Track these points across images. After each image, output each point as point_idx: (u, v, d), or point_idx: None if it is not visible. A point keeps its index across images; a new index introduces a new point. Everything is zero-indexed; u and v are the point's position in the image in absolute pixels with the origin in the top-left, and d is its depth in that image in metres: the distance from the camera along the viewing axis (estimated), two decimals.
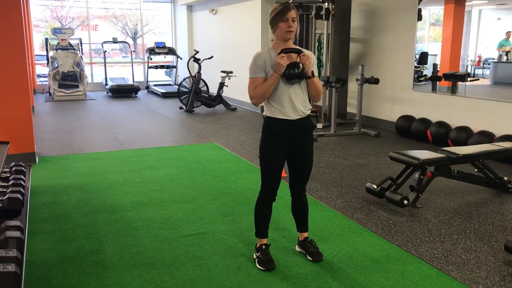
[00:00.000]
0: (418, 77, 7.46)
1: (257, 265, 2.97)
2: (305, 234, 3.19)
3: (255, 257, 3.03)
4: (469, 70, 6.84)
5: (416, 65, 7.41)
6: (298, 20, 2.80)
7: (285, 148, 2.91)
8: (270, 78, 2.77)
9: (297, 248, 3.20)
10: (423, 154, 4.23)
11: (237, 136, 7.31)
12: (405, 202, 3.97)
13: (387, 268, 2.98)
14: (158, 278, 2.84)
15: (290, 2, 2.83)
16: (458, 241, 3.40)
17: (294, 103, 2.82)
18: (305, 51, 2.83)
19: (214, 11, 12.05)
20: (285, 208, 4.03)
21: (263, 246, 3.01)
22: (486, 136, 5.85)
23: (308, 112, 2.91)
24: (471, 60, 6.89)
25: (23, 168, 4.59)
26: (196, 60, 10.10)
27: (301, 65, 2.75)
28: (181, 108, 10.13)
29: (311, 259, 3.05)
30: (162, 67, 14.35)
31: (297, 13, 2.79)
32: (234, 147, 6.51)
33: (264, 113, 2.94)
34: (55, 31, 12.42)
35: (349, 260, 3.08)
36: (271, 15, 2.81)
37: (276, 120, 2.84)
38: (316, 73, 2.88)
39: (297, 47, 2.85)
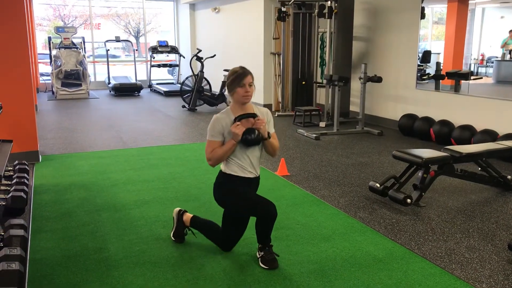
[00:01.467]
0: (421, 75, 7.45)
1: (260, 263, 2.97)
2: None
3: (258, 256, 3.03)
4: (472, 69, 6.83)
5: (419, 63, 7.39)
6: (254, 84, 2.90)
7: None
8: (227, 144, 2.87)
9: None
10: (426, 153, 4.22)
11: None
12: (408, 201, 3.97)
13: (390, 267, 2.98)
14: (162, 277, 2.84)
15: (244, 67, 2.89)
16: (461, 240, 3.39)
17: (251, 163, 2.97)
18: (260, 111, 2.96)
19: (216, 10, 12.05)
20: (288, 207, 4.03)
21: (267, 247, 3.00)
22: (489, 135, 5.84)
23: (259, 173, 3.06)
24: (474, 59, 6.88)
25: (26, 167, 4.60)
26: (199, 59, 10.10)
27: (256, 130, 2.85)
28: (183, 106, 10.14)
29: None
30: (164, 65, 14.36)
31: (253, 77, 2.89)
32: None
33: (221, 169, 3.02)
34: (58, 30, 12.44)
35: (352, 259, 3.08)
36: (228, 80, 2.90)
37: (233, 177, 2.96)
38: (272, 131, 3.00)
39: (254, 109, 2.95)
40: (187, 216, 3.30)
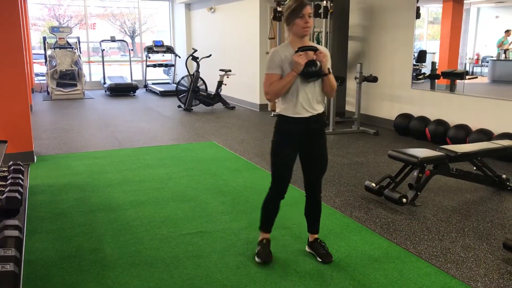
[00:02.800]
0: (417, 75, 7.46)
1: (255, 258, 2.99)
2: (315, 236, 3.17)
3: (309, 250, 3.08)
4: (467, 68, 6.85)
5: (414, 63, 7.41)
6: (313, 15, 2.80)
7: (296, 146, 2.91)
8: (287, 76, 2.76)
9: (307, 249, 3.18)
10: (422, 152, 4.23)
11: (236, 134, 7.31)
12: (404, 200, 3.97)
13: (386, 266, 2.98)
14: (157, 277, 2.83)
15: None
16: (456, 239, 3.40)
17: (309, 101, 2.83)
18: (320, 48, 2.84)
19: (212, 10, 12.03)
20: (284, 207, 4.02)
21: (264, 241, 3.03)
22: (485, 134, 5.86)
23: (322, 110, 2.92)
24: (470, 58, 6.90)
25: (21, 167, 4.58)
26: (195, 59, 10.08)
27: (318, 63, 2.75)
28: (179, 106, 10.12)
29: (320, 260, 3.03)
30: (160, 65, 14.32)
31: (312, 8, 2.78)
32: (233, 145, 6.51)
33: (277, 110, 2.93)
34: (53, 29, 12.38)
35: (348, 259, 3.08)
36: (286, 12, 2.79)
37: (289, 118, 2.85)
38: (330, 69, 2.88)
39: (314, 44, 2.86)
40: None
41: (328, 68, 2.82)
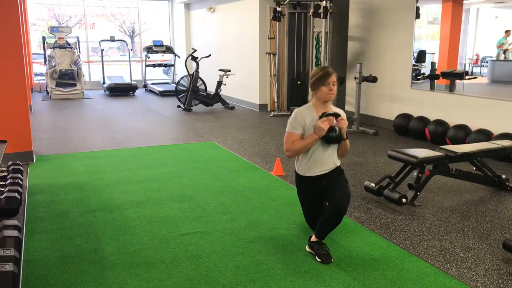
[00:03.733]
0: (416, 75, 7.46)
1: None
2: (318, 240, 3.14)
3: (309, 250, 3.14)
4: (467, 68, 6.85)
5: (414, 63, 7.41)
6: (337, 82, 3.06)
7: (314, 193, 3.20)
8: (309, 137, 3.01)
9: (307, 249, 3.18)
10: (422, 153, 4.23)
11: (235, 134, 7.30)
12: (404, 200, 3.97)
13: (385, 266, 2.98)
14: (156, 277, 2.83)
15: (328, 67, 3.15)
16: (456, 239, 3.40)
17: (326, 163, 3.10)
18: (341, 113, 3.07)
19: (211, 9, 12.03)
20: (284, 207, 4.03)
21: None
22: (484, 134, 5.86)
23: (338, 164, 3.19)
24: (469, 58, 6.90)
25: (20, 167, 4.58)
26: (194, 59, 10.08)
27: (338, 129, 3.00)
28: (179, 106, 10.12)
29: (320, 260, 3.02)
30: (160, 65, 14.32)
31: (337, 77, 3.04)
32: (232, 145, 6.50)
33: (296, 169, 3.22)
34: (53, 29, 12.38)
35: (348, 259, 3.08)
36: (312, 79, 3.05)
37: (305, 178, 3.15)
38: (347, 135, 3.14)
39: (335, 110, 3.09)
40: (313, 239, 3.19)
41: (346, 134, 3.08)
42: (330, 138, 3.00)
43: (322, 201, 3.21)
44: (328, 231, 3.11)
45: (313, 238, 3.15)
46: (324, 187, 3.13)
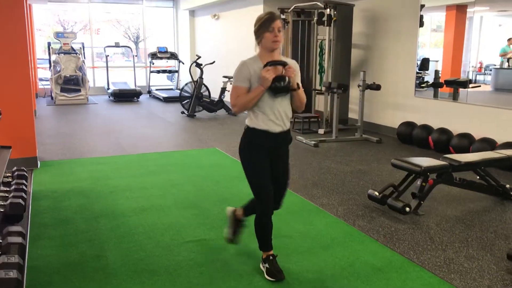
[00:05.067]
0: (420, 83, 7.47)
1: (266, 275, 2.92)
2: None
3: (262, 267, 2.99)
4: (470, 77, 6.85)
5: (417, 71, 7.41)
6: (283, 30, 2.80)
7: (267, 158, 2.88)
8: (255, 90, 2.75)
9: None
10: (425, 161, 4.22)
11: (239, 141, 7.28)
12: (407, 209, 3.97)
13: (389, 276, 2.97)
14: (160, 285, 2.83)
15: (273, 12, 2.84)
16: (460, 249, 3.39)
17: (278, 115, 2.82)
18: (289, 61, 2.84)
19: (216, 17, 12.08)
20: (287, 215, 4.03)
21: (270, 257, 2.95)
22: (488, 143, 5.84)
23: (289, 126, 2.92)
24: (473, 66, 6.90)
25: (25, 173, 4.59)
26: (198, 65, 10.12)
27: (287, 78, 2.74)
28: (182, 112, 10.15)
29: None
30: (164, 71, 14.36)
31: (282, 22, 2.78)
32: (236, 152, 6.46)
33: (246, 123, 2.91)
34: (58, 35, 12.45)
35: (351, 268, 3.07)
36: (256, 25, 2.79)
37: (258, 131, 2.83)
38: (300, 84, 2.87)
39: (282, 59, 2.84)
40: (238, 211, 3.23)
41: (298, 83, 2.83)
42: (277, 88, 2.72)
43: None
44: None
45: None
46: (274, 154, 2.89)
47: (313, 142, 6.99)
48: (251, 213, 3.14)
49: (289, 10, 8.71)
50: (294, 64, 2.87)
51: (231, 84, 10.01)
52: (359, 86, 7.53)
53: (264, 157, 2.87)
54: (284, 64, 2.78)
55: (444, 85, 7.09)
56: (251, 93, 2.76)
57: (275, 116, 2.81)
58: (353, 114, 8.54)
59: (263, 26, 2.75)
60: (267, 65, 2.74)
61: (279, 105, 2.81)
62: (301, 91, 2.87)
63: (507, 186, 4.52)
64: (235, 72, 2.83)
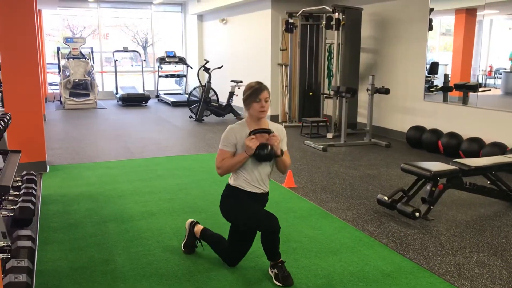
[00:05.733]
0: (429, 87, 7.43)
1: (274, 281, 2.91)
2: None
3: (270, 272, 2.98)
4: (480, 80, 6.80)
5: (426, 75, 7.37)
6: (270, 99, 2.91)
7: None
8: (239, 156, 2.86)
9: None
10: (435, 166, 4.19)
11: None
12: (417, 214, 3.93)
13: (398, 281, 2.95)
14: None
15: (261, 83, 2.97)
16: (471, 255, 3.35)
17: (261, 179, 2.95)
18: (276, 127, 2.97)
19: (224, 21, 12.11)
20: (295, 220, 4.01)
21: (279, 263, 2.95)
22: (499, 148, 5.79)
23: (268, 189, 3.04)
24: (483, 70, 6.85)
25: (34, 177, 4.62)
26: (206, 70, 10.14)
27: (269, 146, 2.84)
28: (191, 117, 10.17)
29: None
30: (172, 76, 14.42)
31: (269, 92, 2.90)
32: None
33: (229, 181, 3.02)
34: (67, 40, 12.55)
35: (360, 273, 3.05)
36: (244, 94, 2.92)
37: (241, 191, 2.95)
38: (285, 148, 3.00)
39: (270, 125, 2.97)
40: (198, 228, 3.31)
41: (281, 150, 2.93)
42: (260, 156, 2.84)
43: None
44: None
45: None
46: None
47: (321, 147, 6.96)
48: (208, 241, 3.22)
49: (297, 14, 8.71)
50: (280, 130, 3.02)
51: (239, 88, 10.09)
52: (367, 90, 7.51)
53: (249, 200, 2.97)
54: (268, 132, 2.89)
55: (454, 89, 7.05)
56: (235, 158, 2.88)
57: (257, 179, 2.94)
58: (361, 118, 8.51)
59: (251, 96, 2.87)
60: (251, 133, 2.86)
61: (262, 169, 2.94)
62: (286, 156, 3.00)
63: None
64: (223, 135, 2.97)
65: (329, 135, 7.97)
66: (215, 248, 3.20)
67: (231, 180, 3.01)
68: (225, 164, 2.89)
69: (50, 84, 13.56)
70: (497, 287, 2.89)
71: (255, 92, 2.85)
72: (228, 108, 10.12)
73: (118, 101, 13.12)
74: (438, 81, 7.47)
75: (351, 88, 7.47)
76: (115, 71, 13.54)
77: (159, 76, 13.93)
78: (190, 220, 3.40)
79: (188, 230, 3.34)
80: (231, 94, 10.12)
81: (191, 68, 13.75)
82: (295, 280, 2.92)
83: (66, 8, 14.11)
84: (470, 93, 6.80)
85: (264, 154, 2.84)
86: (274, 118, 9.85)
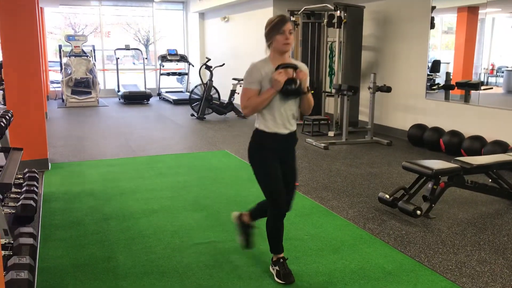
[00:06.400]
0: (431, 85, 7.42)
1: (275, 278, 2.91)
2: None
3: (272, 270, 2.98)
4: (482, 79, 6.79)
5: (428, 73, 7.36)
6: (294, 32, 2.78)
7: (277, 159, 2.88)
8: (266, 92, 2.74)
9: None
10: (437, 164, 4.18)
11: (248, 143, 7.29)
12: (418, 212, 3.93)
13: (399, 279, 2.95)
14: (169, 287, 2.83)
15: (283, 14, 2.82)
16: (472, 253, 3.35)
17: (287, 118, 2.83)
18: (300, 65, 2.84)
19: (226, 19, 12.10)
20: (297, 218, 4.02)
21: (281, 260, 2.94)
22: (500, 146, 5.78)
23: (295, 127, 2.92)
24: (485, 68, 6.83)
25: (36, 175, 4.62)
26: (208, 68, 10.14)
27: (298, 81, 2.74)
28: (192, 115, 10.17)
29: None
30: (174, 74, 14.42)
31: (293, 25, 2.77)
32: (245, 154, 6.46)
33: (255, 125, 2.91)
34: (69, 38, 12.56)
35: (362, 271, 3.05)
36: (266, 28, 2.79)
37: (268, 134, 2.83)
38: (309, 87, 2.87)
39: (293, 62, 2.84)
40: (245, 215, 3.18)
41: (307, 87, 2.82)
42: (288, 91, 2.72)
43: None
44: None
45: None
46: (283, 156, 2.89)
47: (323, 145, 6.96)
48: (259, 216, 3.12)
49: (299, 12, 8.70)
50: (304, 67, 2.86)
51: (241, 86, 10.06)
52: (369, 88, 7.50)
53: (275, 160, 2.86)
54: (295, 67, 2.77)
55: (456, 87, 7.04)
56: (262, 95, 2.75)
57: (284, 118, 2.82)
58: (363, 117, 8.50)
59: (274, 29, 2.73)
60: (278, 67, 2.73)
61: (289, 107, 2.82)
62: (310, 95, 2.87)
63: None
64: (246, 74, 2.82)
65: (331, 133, 7.97)
66: (263, 214, 3.05)
67: (257, 123, 2.89)
68: (252, 102, 2.76)
69: (52, 82, 13.57)
70: (498, 285, 2.89)
71: (279, 23, 2.71)
72: (229, 106, 10.12)
73: (119, 99, 13.13)
74: (440, 79, 7.46)
75: (352, 86, 7.47)
76: (117, 69, 13.54)
77: (161, 74, 13.93)
78: (235, 214, 3.25)
79: (239, 223, 3.20)
80: (233, 92, 10.12)
81: (193, 66, 13.75)
82: (296, 278, 2.93)
83: (68, 6, 14.12)
84: (472, 92, 6.78)
85: (292, 89, 2.72)
86: None
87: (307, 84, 2.86)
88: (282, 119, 2.81)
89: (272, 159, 2.85)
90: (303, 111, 2.93)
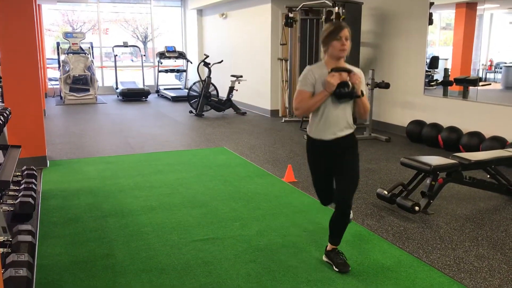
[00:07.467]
0: (429, 81, 7.42)
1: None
2: (334, 246, 3.10)
3: (324, 258, 3.12)
4: (480, 75, 6.79)
5: (427, 69, 7.36)
6: (350, 39, 2.85)
7: (324, 163, 3.03)
8: (319, 94, 2.82)
9: (324, 258, 3.14)
10: (435, 160, 4.19)
11: (247, 140, 7.31)
12: (417, 208, 3.93)
13: (398, 275, 2.96)
14: (168, 284, 2.84)
15: (341, 21, 2.88)
16: (470, 249, 3.36)
17: (336, 123, 2.88)
18: (355, 69, 2.87)
19: (224, 16, 12.08)
20: (295, 214, 4.02)
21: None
22: (498, 142, 5.79)
23: (350, 131, 2.95)
24: (483, 64, 6.84)
25: (34, 172, 4.62)
26: (206, 64, 10.12)
27: (351, 84, 2.78)
28: (191, 112, 10.16)
29: (337, 270, 2.99)
30: (172, 71, 14.40)
31: (350, 32, 2.84)
32: (244, 151, 6.51)
33: (307, 131, 3.02)
34: (67, 35, 12.52)
35: (360, 267, 3.06)
36: (323, 34, 2.86)
37: (312, 139, 2.98)
38: (365, 92, 2.91)
39: (348, 66, 2.87)
40: (328, 247, 3.14)
41: (362, 91, 2.86)
42: (341, 93, 2.76)
43: (332, 174, 3.04)
44: (340, 232, 3.03)
45: (329, 247, 3.10)
46: (334, 159, 2.95)
47: None
48: (337, 236, 3.09)
49: (297, 9, 8.68)
50: (359, 72, 2.91)
51: (239, 83, 10.08)
52: (367, 84, 7.49)
53: (321, 159, 3.03)
54: (349, 71, 2.82)
55: (454, 83, 7.04)
56: (315, 97, 2.84)
57: (332, 123, 2.88)
58: None
59: (331, 35, 2.80)
60: (332, 70, 2.78)
61: (341, 112, 2.88)
62: (365, 99, 2.91)
63: None
64: (301, 77, 2.90)
65: None
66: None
67: (308, 127, 3.02)
68: (304, 104, 2.86)
69: (50, 80, 13.54)
70: (496, 280, 2.90)
71: (336, 30, 2.78)
72: (228, 103, 10.11)
73: (118, 96, 13.11)
74: (438, 75, 7.46)
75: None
76: (115, 66, 13.51)
77: (159, 71, 13.91)
78: (324, 257, 3.15)
79: (329, 259, 3.10)
80: (231, 89, 10.11)
81: (191, 63, 13.73)
82: (294, 274, 2.94)
83: (65, 3, 14.07)
84: (470, 88, 6.79)
85: (345, 91, 2.76)
86: (274, 113, 9.84)
87: (363, 88, 2.90)
88: (329, 124, 2.88)
89: (318, 159, 3.06)
90: (359, 115, 2.98)
